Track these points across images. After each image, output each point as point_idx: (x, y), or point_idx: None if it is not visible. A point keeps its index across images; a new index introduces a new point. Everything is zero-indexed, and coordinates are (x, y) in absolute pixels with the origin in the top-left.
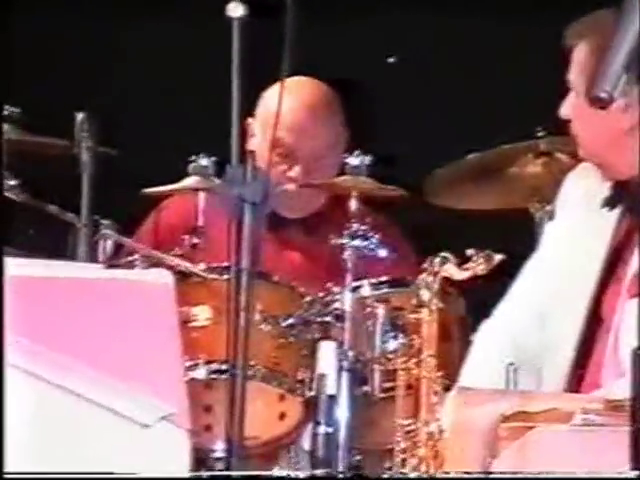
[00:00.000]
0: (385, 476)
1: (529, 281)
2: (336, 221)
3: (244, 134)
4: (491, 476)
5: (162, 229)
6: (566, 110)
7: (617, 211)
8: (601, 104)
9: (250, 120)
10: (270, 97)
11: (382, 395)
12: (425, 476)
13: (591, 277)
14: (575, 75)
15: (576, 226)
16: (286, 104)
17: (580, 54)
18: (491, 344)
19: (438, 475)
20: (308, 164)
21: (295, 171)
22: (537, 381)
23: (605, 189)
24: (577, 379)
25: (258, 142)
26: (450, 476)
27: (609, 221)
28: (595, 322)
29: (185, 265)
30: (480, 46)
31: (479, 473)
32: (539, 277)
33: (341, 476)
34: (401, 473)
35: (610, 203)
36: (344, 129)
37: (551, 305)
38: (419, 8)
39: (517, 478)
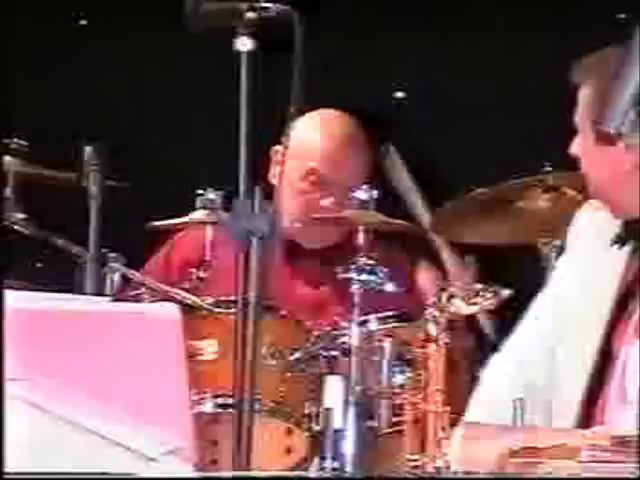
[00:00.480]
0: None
1: (539, 317)
2: (349, 255)
3: (255, 166)
4: (491, 476)
5: (170, 262)
6: (574, 148)
7: (627, 249)
8: (609, 139)
9: (277, 148)
10: (301, 128)
11: (389, 430)
12: (427, 476)
13: (601, 315)
14: (579, 116)
15: (587, 263)
16: (319, 135)
17: (584, 95)
18: (499, 379)
19: (438, 475)
20: (342, 194)
21: (329, 200)
22: (545, 417)
23: (615, 226)
24: (586, 416)
25: (289, 171)
26: (450, 476)
27: (620, 259)
28: (604, 360)
29: (192, 299)
30: (489, 80)
31: (479, 473)
32: (549, 313)
33: (343, 476)
34: None
35: (620, 241)
36: (370, 163)
37: (561, 342)
38: (427, 42)
39: (518, 478)
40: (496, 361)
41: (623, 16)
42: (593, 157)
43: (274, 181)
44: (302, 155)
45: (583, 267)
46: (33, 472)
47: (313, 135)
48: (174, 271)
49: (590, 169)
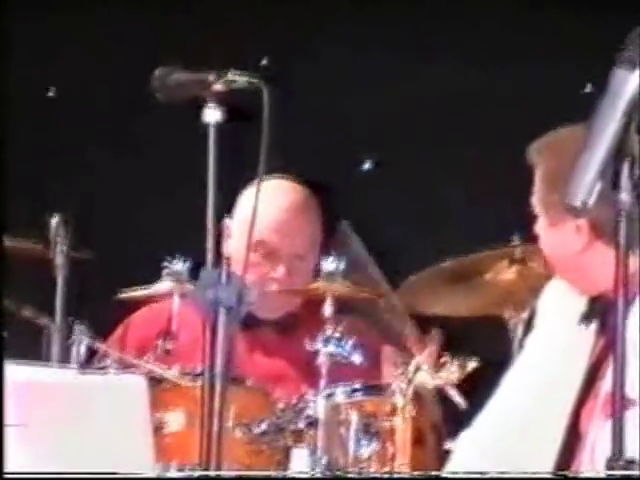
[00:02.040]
0: (385, 476)
1: (509, 393)
2: (311, 324)
3: (220, 237)
4: (491, 476)
5: (136, 334)
6: (536, 227)
7: (594, 326)
8: (576, 212)
9: (228, 221)
10: (249, 198)
11: None
12: (423, 475)
13: (570, 392)
14: (534, 197)
15: (555, 339)
16: (268, 205)
17: (537, 179)
18: (470, 455)
19: (437, 475)
20: (292, 265)
21: (278, 272)
22: None
23: (581, 303)
24: None
25: (236, 243)
26: (450, 476)
27: (588, 335)
28: (573, 438)
29: (158, 370)
30: (454, 151)
31: (478, 473)
32: (518, 389)
33: (341, 476)
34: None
35: (585, 319)
36: (322, 230)
37: (530, 417)
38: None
39: (514, 478)
40: (466, 437)
41: (588, 90)
42: (548, 238)
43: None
44: (248, 226)
45: (551, 344)
46: (33, 472)
47: (260, 206)
48: (134, 342)
49: (546, 249)
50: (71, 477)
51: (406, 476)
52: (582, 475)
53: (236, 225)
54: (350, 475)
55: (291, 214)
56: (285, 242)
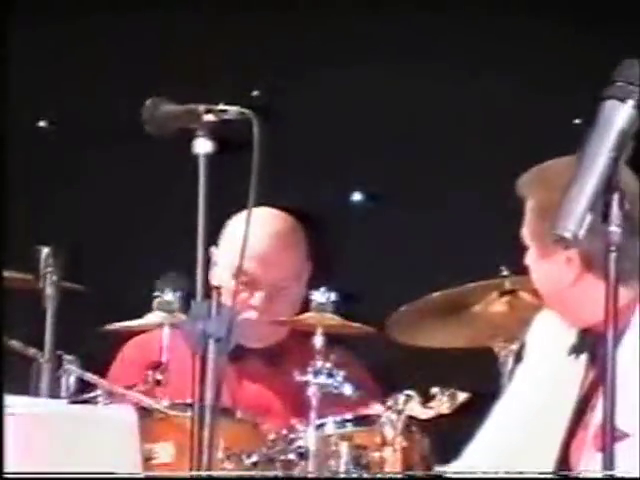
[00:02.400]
0: (387, 476)
1: (497, 424)
2: (298, 354)
3: (209, 265)
4: (491, 476)
5: (126, 365)
6: (526, 259)
7: (584, 357)
8: (565, 244)
9: (213, 249)
10: (234, 226)
11: None
12: (423, 475)
13: (560, 424)
14: (524, 230)
15: (544, 371)
16: (251, 234)
17: (529, 208)
18: None
19: (436, 475)
20: (270, 292)
21: (257, 299)
22: None
23: (570, 334)
24: None
25: (221, 272)
26: (449, 476)
27: (578, 366)
28: (563, 470)
29: (148, 402)
30: (443, 182)
31: (478, 473)
32: (508, 420)
33: (339, 476)
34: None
35: (575, 351)
36: (308, 261)
37: (520, 449)
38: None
39: (517, 478)
40: (455, 468)
41: (578, 121)
42: (538, 270)
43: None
44: (231, 254)
45: (541, 376)
46: (33, 472)
47: (241, 231)
48: (131, 374)
49: (536, 281)
50: (71, 477)
51: (406, 476)
52: (582, 475)
53: (221, 254)
54: (350, 475)
55: (274, 243)
56: (265, 271)
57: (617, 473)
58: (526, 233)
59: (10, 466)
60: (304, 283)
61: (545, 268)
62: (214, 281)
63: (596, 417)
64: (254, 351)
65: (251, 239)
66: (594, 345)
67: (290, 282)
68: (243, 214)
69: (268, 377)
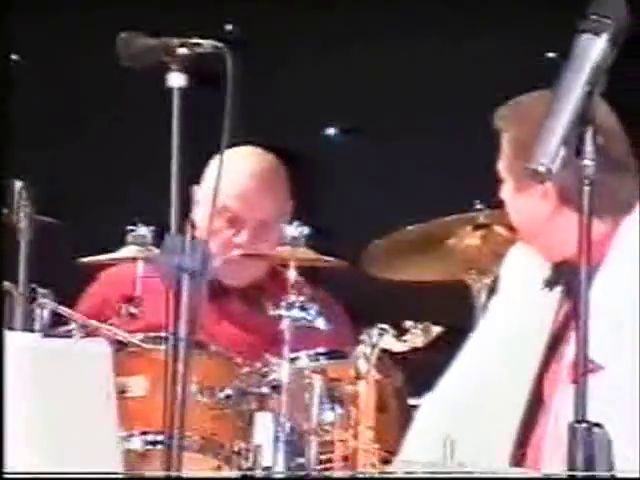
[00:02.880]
0: (384, 475)
1: (471, 357)
2: (273, 292)
3: (186, 203)
4: (488, 476)
5: (100, 298)
6: (501, 193)
7: (558, 291)
8: (540, 177)
9: (196, 188)
10: (216, 165)
11: (318, 467)
12: (420, 475)
13: (534, 356)
14: (500, 164)
15: (518, 304)
16: (233, 172)
17: (503, 145)
18: (431, 417)
19: (435, 475)
20: (255, 230)
21: (242, 237)
22: (478, 454)
23: (545, 267)
24: (519, 457)
25: (203, 211)
26: (449, 476)
27: (551, 301)
28: (537, 402)
29: (122, 335)
30: (418, 116)
31: (478, 473)
32: (481, 354)
33: (336, 476)
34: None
35: (549, 284)
36: (291, 199)
37: (494, 381)
38: (358, 77)
39: (518, 478)
40: (428, 401)
41: (552, 55)
42: (514, 204)
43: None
44: (214, 193)
45: (514, 308)
46: (33, 472)
47: (225, 173)
48: (105, 307)
49: (512, 215)
50: (71, 477)
51: (406, 476)
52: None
53: (203, 193)
54: (350, 475)
55: (256, 180)
56: (249, 208)
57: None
58: (502, 167)
59: None
60: (286, 220)
61: (521, 202)
62: (197, 221)
63: (570, 350)
64: (233, 290)
65: (234, 177)
66: (568, 278)
67: (273, 220)
68: (226, 153)
69: (246, 316)
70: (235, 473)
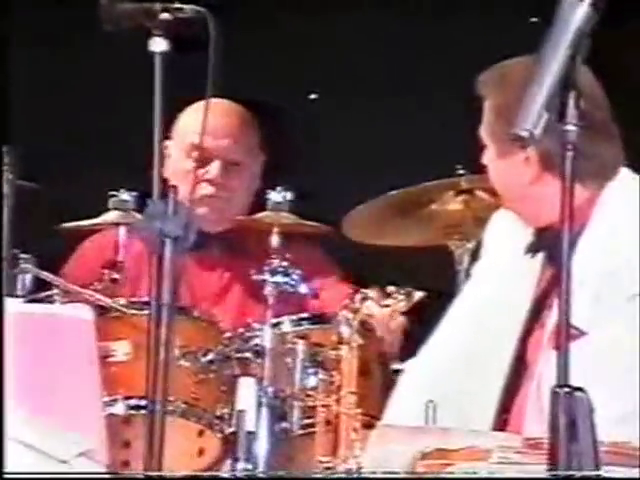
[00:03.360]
0: (379, 475)
1: (454, 323)
2: (254, 245)
3: (163, 161)
4: (489, 476)
5: (84, 264)
6: (484, 158)
7: (540, 256)
8: (522, 142)
9: (166, 142)
10: (184, 116)
11: (301, 431)
12: (416, 475)
13: (516, 321)
14: (482, 129)
15: (501, 270)
16: (200, 114)
17: (487, 107)
18: (414, 382)
19: (433, 475)
20: (225, 164)
21: (212, 170)
22: (459, 422)
23: (527, 233)
24: (501, 423)
25: (174, 158)
26: (449, 476)
27: (533, 266)
28: (520, 367)
29: (105, 300)
30: (401, 81)
31: (477, 473)
32: (464, 319)
33: (337, 476)
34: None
35: (532, 250)
36: (260, 148)
37: (477, 346)
38: (341, 42)
39: (514, 478)
40: (411, 366)
41: (535, 20)
42: (496, 169)
43: (167, 175)
44: (185, 134)
45: (497, 274)
46: (33, 472)
47: (194, 115)
48: (88, 273)
49: (494, 180)
50: (71, 477)
51: (406, 476)
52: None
53: (173, 144)
54: (351, 475)
55: (224, 120)
56: (217, 143)
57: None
58: (484, 132)
59: None
60: (258, 168)
61: (503, 167)
62: (167, 173)
63: (553, 315)
64: (211, 237)
65: (201, 118)
66: (551, 244)
67: (243, 157)
68: (193, 106)
69: (225, 264)
70: (218, 438)
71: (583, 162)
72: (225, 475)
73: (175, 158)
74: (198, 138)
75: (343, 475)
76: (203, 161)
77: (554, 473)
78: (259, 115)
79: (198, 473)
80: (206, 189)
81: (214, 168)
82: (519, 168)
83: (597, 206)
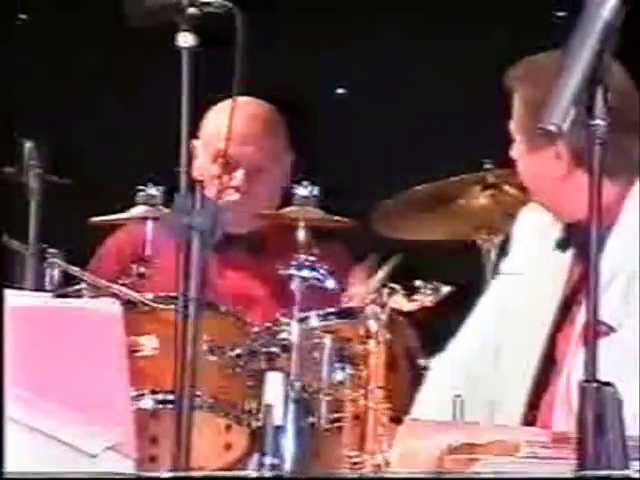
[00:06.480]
0: (385, 475)
1: (483, 317)
2: (280, 244)
3: (191, 159)
4: (490, 476)
5: (111, 258)
6: (513, 152)
7: (570, 252)
8: (550, 137)
9: (194, 142)
10: (212, 116)
11: (328, 426)
12: (420, 475)
13: (546, 317)
14: (512, 124)
15: (530, 265)
16: (227, 117)
17: (515, 104)
18: (443, 377)
19: (434, 475)
20: (249, 171)
21: (237, 178)
22: (489, 414)
23: (557, 228)
24: (530, 419)
25: (201, 160)
26: (448, 476)
27: (563, 262)
28: (549, 363)
29: (133, 294)
30: (430, 77)
31: (477, 473)
32: (493, 314)
33: (339, 476)
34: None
35: (562, 245)
36: (289, 149)
37: (505, 343)
38: (369, 39)
39: (517, 478)
40: (439, 361)
41: (561, 14)
42: (526, 163)
43: (194, 177)
44: (211, 139)
45: (527, 269)
46: (33, 472)
47: (221, 118)
48: (115, 268)
49: (524, 175)
50: (71, 477)
51: (406, 476)
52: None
53: (201, 144)
54: (352, 475)
55: (251, 125)
56: (243, 150)
57: None
58: (514, 127)
59: None
60: (285, 171)
61: (533, 162)
62: (196, 173)
63: (582, 312)
64: (236, 238)
65: (227, 121)
66: (581, 240)
67: (269, 163)
68: (221, 105)
69: (250, 265)
70: (245, 433)
71: (612, 157)
72: (253, 475)
73: (202, 161)
74: (223, 144)
75: (370, 475)
76: (228, 167)
77: (581, 473)
78: (287, 112)
79: (222, 471)
80: (232, 196)
81: (239, 176)
82: (550, 163)
83: (627, 201)
